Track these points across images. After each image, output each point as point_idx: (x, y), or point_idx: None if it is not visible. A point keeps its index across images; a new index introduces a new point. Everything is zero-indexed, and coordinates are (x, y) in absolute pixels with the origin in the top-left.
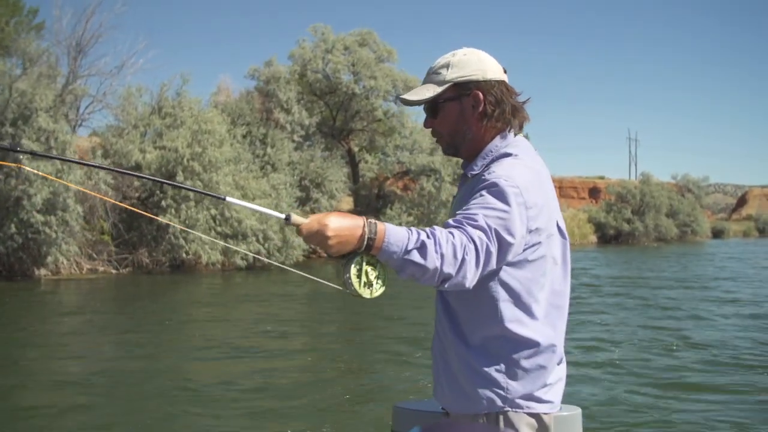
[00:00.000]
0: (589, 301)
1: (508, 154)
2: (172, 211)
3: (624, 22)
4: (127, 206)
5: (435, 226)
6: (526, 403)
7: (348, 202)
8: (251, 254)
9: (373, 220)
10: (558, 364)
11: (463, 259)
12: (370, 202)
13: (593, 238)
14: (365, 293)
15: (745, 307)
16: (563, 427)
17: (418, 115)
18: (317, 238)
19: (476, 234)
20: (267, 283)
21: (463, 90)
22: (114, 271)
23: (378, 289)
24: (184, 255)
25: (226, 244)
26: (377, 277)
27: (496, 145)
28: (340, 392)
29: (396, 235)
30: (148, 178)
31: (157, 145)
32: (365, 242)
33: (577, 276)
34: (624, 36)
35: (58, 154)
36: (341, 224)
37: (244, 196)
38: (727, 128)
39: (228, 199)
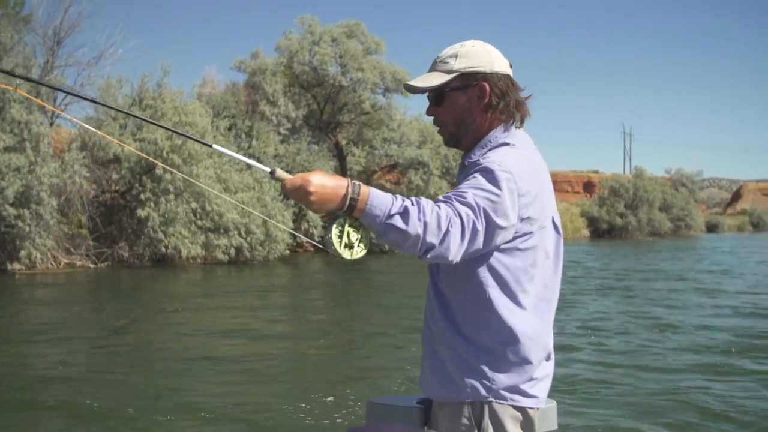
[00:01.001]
0: (571, 292)
1: (505, 144)
2: (152, 204)
3: (619, 16)
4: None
5: (421, 197)
6: (511, 396)
7: None
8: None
9: (358, 183)
10: (546, 359)
11: (447, 231)
12: None
13: (586, 232)
14: (345, 254)
15: (728, 298)
16: (539, 419)
17: (406, 108)
18: (299, 193)
19: (463, 210)
20: (249, 277)
21: (469, 80)
22: (92, 266)
23: (359, 252)
24: (163, 249)
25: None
26: (359, 240)
27: (496, 135)
28: (324, 381)
29: (380, 198)
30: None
31: (137, 137)
32: (348, 202)
33: (568, 268)
34: (619, 30)
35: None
36: (324, 182)
37: (225, 189)
38: (722, 123)
39: (215, 146)
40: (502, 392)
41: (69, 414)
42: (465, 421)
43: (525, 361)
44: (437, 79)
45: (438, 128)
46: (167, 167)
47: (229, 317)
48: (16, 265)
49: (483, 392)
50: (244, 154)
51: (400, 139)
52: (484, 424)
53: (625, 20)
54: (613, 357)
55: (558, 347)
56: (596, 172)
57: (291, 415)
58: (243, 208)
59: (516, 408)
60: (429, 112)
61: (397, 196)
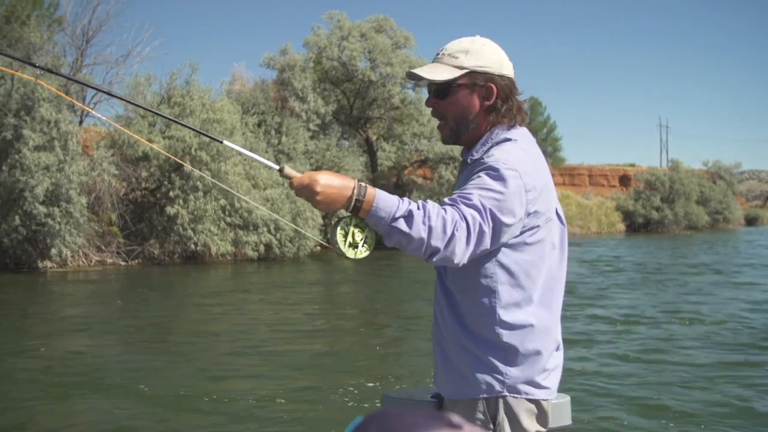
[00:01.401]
0: (604, 285)
1: (507, 140)
2: (181, 201)
3: (655, 7)
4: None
5: (428, 200)
6: (525, 389)
7: None
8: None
9: (364, 184)
10: (556, 350)
11: (453, 235)
12: (389, 191)
13: (621, 226)
14: (349, 253)
15: (763, 292)
16: (553, 414)
17: None
18: (306, 192)
19: (469, 212)
20: (279, 274)
21: (477, 80)
22: (123, 263)
23: (363, 252)
24: (192, 246)
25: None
26: (363, 240)
27: (497, 132)
28: (352, 373)
29: (385, 201)
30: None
31: (166, 134)
32: (353, 203)
33: (602, 262)
34: (655, 21)
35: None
36: (331, 182)
37: (254, 186)
38: (762, 114)
39: (225, 142)
40: (516, 386)
41: (122, 397)
42: (480, 416)
43: (536, 354)
44: (446, 72)
45: (438, 122)
46: (186, 164)
47: (257, 312)
48: (47, 263)
49: (497, 387)
50: (274, 151)
51: (430, 133)
52: (500, 419)
53: (662, 11)
54: (637, 350)
55: (582, 340)
56: (632, 165)
57: (321, 405)
58: (256, 207)
59: (530, 401)
60: (430, 104)
61: (405, 199)
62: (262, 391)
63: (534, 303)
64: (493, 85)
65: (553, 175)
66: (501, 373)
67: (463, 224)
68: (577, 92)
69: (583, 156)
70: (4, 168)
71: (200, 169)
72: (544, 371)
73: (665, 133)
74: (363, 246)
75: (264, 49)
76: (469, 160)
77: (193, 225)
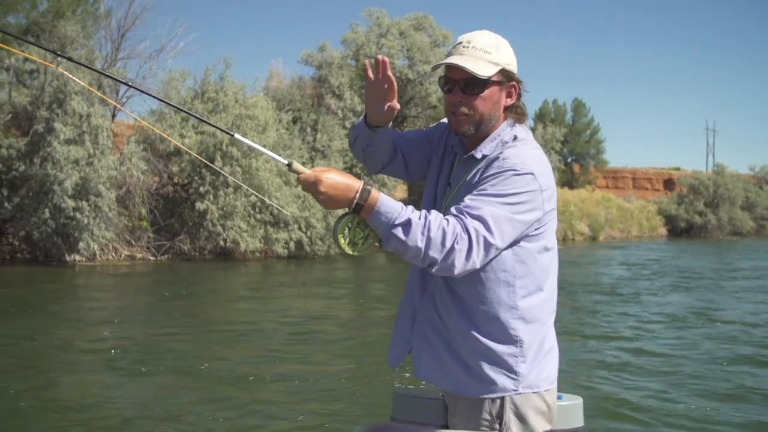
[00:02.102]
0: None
1: (515, 137)
2: (211, 197)
3: (703, 9)
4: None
5: (433, 211)
6: (535, 383)
7: (402, 191)
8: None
9: (370, 187)
10: (554, 334)
11: (452, 248)
12: (424, 190)
13: (663, 230)
14: (347, 249)
15: None
16: (565, 416)
17: None
18: (311, 188)
19: (473, 225)
20: (309, 271)
21: (506, 78)
22: (152, 258)
23: (361, 249)
24: (222, 242)
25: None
26: (363, 239)
27: (503, 129)
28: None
29: (387, 206)
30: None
31: (198, 130)
32: (354, 205)
33: (641, 267)
34: (702, 24)
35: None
36: (336, 182)
37: (285, 183)
38: None
39: (236, 135)
40: (525, 383)
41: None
42: (486, 415)
43: (544, 348)
44: (487, 68)
45: (456, 114)
46: (214, 165)
47: (286, 308)
48: (76, 257)
49: (509, 386)
50: (308, 148)
51: None
52: (506, 419)
53: (711, 13)
54: (660, 354)
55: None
56: (678, 169)
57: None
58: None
59: (536, 394)
60: (459, 98)
61: (409, 207)
62: (301, 375)
63: (548, 297)
64: (516, 84)
65: (596, 178)
66: (515, 372)
67: (465, 237)
68: (622, 94)
69: (627, 159)
70: (35, 161)
71: (231, 165)
72: (550, 362)
73: (712, 136)
74: (363, 244)
75: (302, 46)
76: (479, 155)
77: (222, 221)
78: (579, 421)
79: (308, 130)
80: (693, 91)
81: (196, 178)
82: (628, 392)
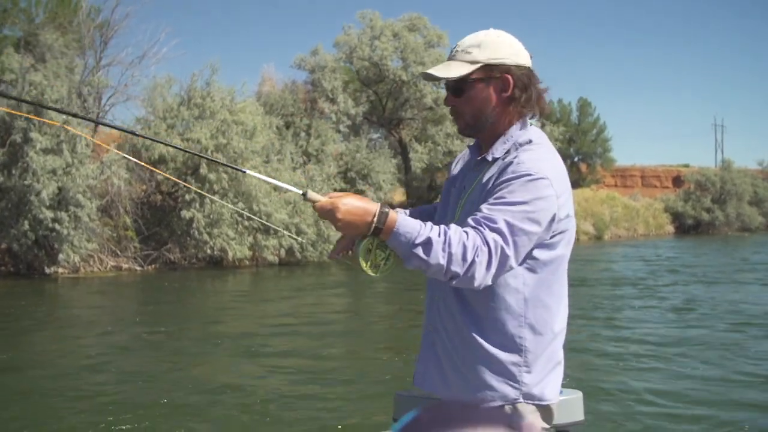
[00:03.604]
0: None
1: (529, 141)
2: (197, 205)
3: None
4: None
5: (451, 225)
6: (538, 395)
7: (400, 194)
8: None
9: (386, 210)
10: (561, 348)
11: (473, 261)
12: (422, 194)
13: (670, 228)
14: (370, 271)
15: None
16: (565, 410)
17: None
18: (328, 216)
19: (492, 237)
20: (300, 279)
21: (492, 72)
22: (139, 269)
23: (384, 270)
24: (208, 251)
25: (293, 236)
26: (384, 260)
27: (517, 130)
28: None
29: (406, 227)
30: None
31: (185, 137)
32: (372, 229)
33: (652, 263)
34: (708, 19)
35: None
36: (353, 209)
37: (275, 189)
38: None
39: (248, 172)
40: (530, 393)
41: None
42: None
43: (550, 358)
44: (459, 69)
45: (454, 117)
46: (190, 185)
47: (272, 318)
48: (57, 269)
49: (511, 395)
50: (301, 153)
51: None
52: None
53: (714, 10)
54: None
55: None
56: (686, 166)
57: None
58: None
59: (539, 408)
60: (448, 102)
61: (427, 224)
62: (287, 392)
63: (561, 305)
64: (509, 76)
65: (603, 177)
66: (518, 381)
67: (485, 249)
68: (629, 92)
69: (634, 157)
70: (14, 172)
71: (217, 172)
72: (556, 376)
73: (720, 132)
74: (385, 265)
75: (295, 51)
76: (490, 158)
77: (209, 229)
78: (579, 415)
79: (302, 134)
80: (700, 88)
81: (182, 185)
82: (630, 386)
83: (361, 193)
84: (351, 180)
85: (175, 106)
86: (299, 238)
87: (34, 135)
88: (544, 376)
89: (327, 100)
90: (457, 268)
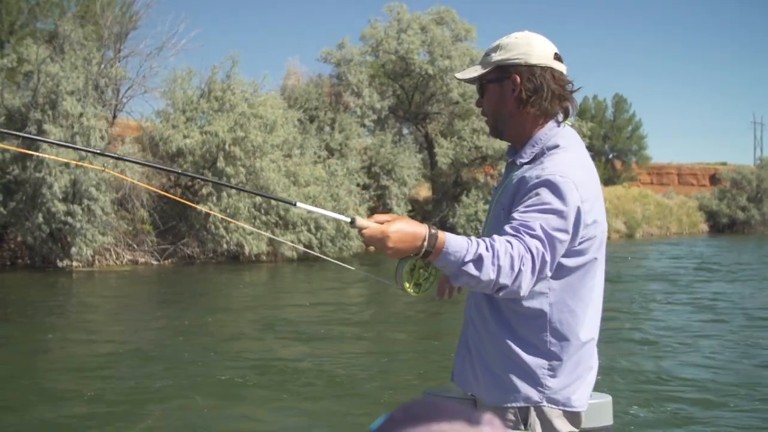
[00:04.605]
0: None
1: (557, 145)
2: (213, 199)
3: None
4: (163, 192)
5: (495, 237)
6: (564, 400)
7: (426, 189)
8: (293, 244)
9: (435, 232)
10: (595, 359)
11: (520, 270)
12: (447, 189)
13: (704, 227)
14: (412, 291)
15: None
16: (594, 414)
17: None
18: (377, 244)
19: (534, 244)
20: (318, 276)
21: (504, 73)
22: (155, 263)
23: (425, 288)
24: (224, 246)
25: (272, 236)
26: (426, 279)
27: (546, 133)
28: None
29: (455, 246)
30: (187, 175)
31: (204, 130)
32: (422, 252)
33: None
34: (747, 16)
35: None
36: (403, 236)
37: (294, 183)
38: None
39: (299, 204)
40: (555, 397)
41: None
42: (510, 416)
43: (579, 364)
44: (476, 71)
45: (485, 119)
46: (197, 205)
47: (287, 315)
48: (70, 262)
49: (535, 398)
50: (325, 147)
51: None
52: (531, 420)
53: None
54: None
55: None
56: (724, 164)
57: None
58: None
59: (564, 413)
60: (477, 104)
61: (472, 239)
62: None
63: (587, 311)
64: (517, 76)
65: (639, 174)
66: (542, 384)
67: (529, 256)
68: (666, 89)
69: (671, 155)
70: (29, 164)
71: (234, 165)
72: (584, 383)
73: (759, 130)
74: (426, 283)
75: (322, 44)
76: (518, 162)
77: (225, 224)
78: (608, 419)
79: (325, 128)
80: (739, 84)
81: (198, 180)
82: (659, 391)
83: (384, 188)
84: (375, 175)
85: (195, 98)
86: (351, 267)
87: (47, 127)
88: (571, 381)
89: (352, 93)
90: (506, 279)
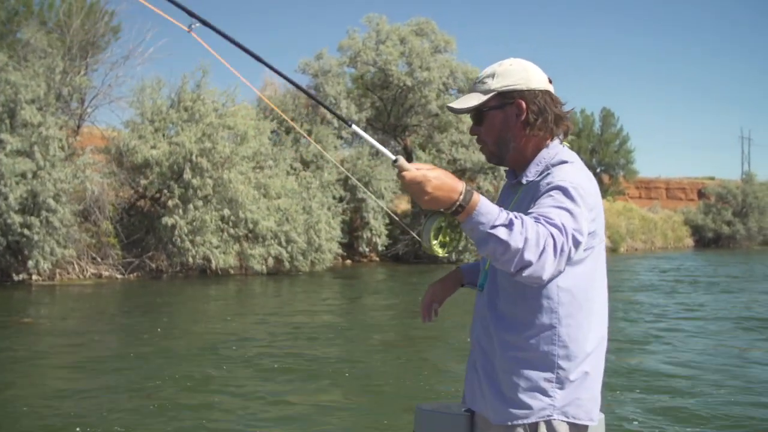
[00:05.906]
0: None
1: (563, 161)
2: (180, 211)
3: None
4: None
5: (522, 214)
6: (573, 413)
7: (405, 202)
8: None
9: (471, 188)
10: (601, 367)
11: (544, 249)
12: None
13: (689, 241)
14: (436, 248)
15: None
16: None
17: None
18: (416, 188)
19: (554, 231)
20: (288, 290)
21: (506, 99)
22: (119, 276)
23: (450, 250)
24: (191, 259)
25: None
26: (452, 240)
27: (549, 152)
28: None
29: (487, 207)
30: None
31: (172, 140)
32: (455, 207)
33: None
34: (735, 30)
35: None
36: (442, 183)
37: (264, 195)
38: None
39: (354, 127)
40: (564, 410)
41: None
42: (520, 430)
43: (586, 378)
44: (475, 99)
45: (480, 147)
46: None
47: (252, 331)
48: (26, 275)
49: (545, 411)
50: (299, 160)
51: (469, 142)
52: None
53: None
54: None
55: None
56: (712, 178)
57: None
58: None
59: (573, 426)
60: (472, 132)
61: (503, 209)
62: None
63: (593, 324)
64: (522, 101)
65: (627, 188)
66: (550, 396)
67: (551, 240)
68: (654, 103)
69: (659, 169)
70: None
71: (201, 177)
72: (592, 397)
73: (747, 145)
74: (451, 245)
75: (299, 56)
76: (524, 182)
77: (191, 237)
78: None
79: (301, 140)
80: (728, 99)
81: (165, 191)
82: (653, 407)
83: (362, 201)
84: (351, 188)
85: (164, 108)
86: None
87: (4, 136)
88: (580, 394)
89: (330, 105)
90: (531, 255)
